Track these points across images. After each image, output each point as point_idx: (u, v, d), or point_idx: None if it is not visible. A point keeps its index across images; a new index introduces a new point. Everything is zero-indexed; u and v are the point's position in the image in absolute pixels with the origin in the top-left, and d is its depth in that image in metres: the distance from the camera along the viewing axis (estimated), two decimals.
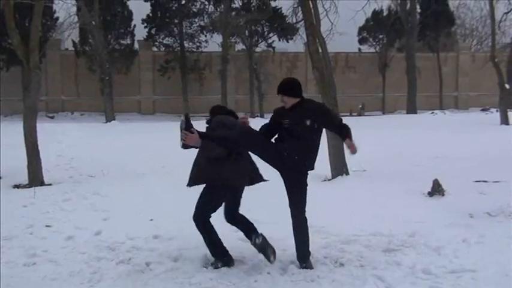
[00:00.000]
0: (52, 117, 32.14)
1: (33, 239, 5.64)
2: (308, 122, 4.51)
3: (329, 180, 9.22)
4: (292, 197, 4.71)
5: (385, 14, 38.17)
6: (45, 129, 14.49)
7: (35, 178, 8.98)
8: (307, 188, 4.75)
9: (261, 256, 5.02)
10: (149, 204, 7.26)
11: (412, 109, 34.09)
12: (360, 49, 40.35)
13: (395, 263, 4.83)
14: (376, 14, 37.56)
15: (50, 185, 8.96)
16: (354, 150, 4.59)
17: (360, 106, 35.80)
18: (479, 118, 24.36)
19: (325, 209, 6.58)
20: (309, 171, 4.75)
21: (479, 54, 41.92)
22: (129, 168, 10.70)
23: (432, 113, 28.86)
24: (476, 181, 8.32)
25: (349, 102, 34.08)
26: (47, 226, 6.10)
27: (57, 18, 32.15)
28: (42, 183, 9.01)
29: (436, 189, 7.46)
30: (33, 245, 5.39)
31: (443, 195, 7.40)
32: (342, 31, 16.37)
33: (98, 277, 4.57)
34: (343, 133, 4.67)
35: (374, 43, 39.01)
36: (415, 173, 9.35)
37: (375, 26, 37.86)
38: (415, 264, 4.76)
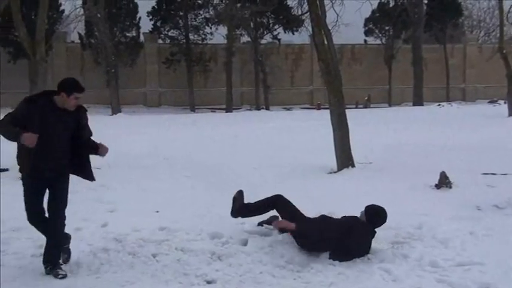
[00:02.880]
0: None
1: None
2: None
3: (334, 172, 9.19)
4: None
5: (391, 5, 37.95)
6: None
7: None
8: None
9: (267, 248, 5.03)
10: (155, 196, 7.27)
11: (418, 101, 33.94)
12: (365, 41, 40.17)
13: (402, 256, 4.81)
14: (383, 5, 37.38)
15: None
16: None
17: (366, 98, 35.68)
18: (487, 110, 24.20)
19: (330, 201, 6.57)
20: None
21: (486, 45, 41.62)
22: (135, 161, 10.71)
23: (439, 105, 28.68)
24: (484, 174, 8.26)
25: (355, 94, 33.95)
26: None
27: (63, 11, 32.18)
28: None
29: (443, 182, 7.41)
30: (40, 236, 5.37)
31: (450, 187, 7.36)
32: (347, 23, 16.30)
33: (105, 268, 4.59)
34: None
35: (380, 35, 38.80)
36: (422, 165, 9.29)
37: (381, 17, 37.65)
38: (422, 256, 4.74)
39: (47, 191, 4.57)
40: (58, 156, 4.43)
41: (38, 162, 4.30)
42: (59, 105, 4.33)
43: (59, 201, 4.52)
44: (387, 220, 5.12)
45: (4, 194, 6.51)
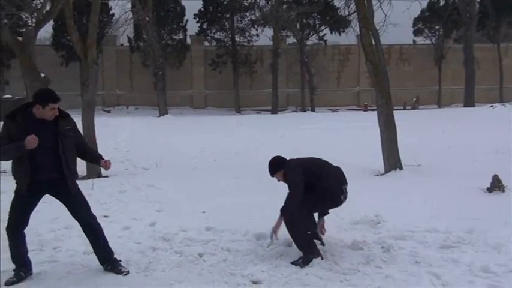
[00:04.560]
0: (108, 111, 33.15)
1: None
2: None
3: (382, 174, 9.05)
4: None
5: (441, 3, 37.00)
6: (102, 122, 14.93)
7: (93, 170, 9.28)
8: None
9: None
10: (201, 197, 7.36)
11: (470, 102, 32.92)
12: (414, 41, 39.32)
13: (452, 260, 4.69)
14: (433, 4, 36.52)
15: (106, 177, 9.24)
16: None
17: (414, 99, 34.91)
18: None
19: (378, 204, 6.47)
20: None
21: None
22: (182, 161, 10.89)
23: (491, 106, 27.70)
24: None
25: (403, 95, 33.28)
26: (104, 216, 6.28)
27: (112, 15, 33.06)
28: (99, 175, 9.31)
29: (496, 185, 7.17)
30: None
31: (503, 191, 7.11)
32: (395, 22, 15.97)
33: (154, 266, 4.69)
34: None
35: (430, 34, 37.88)
36: (473, 168, 9.02)
37: (431, 16, 36.76)
38: (473, 261, 4.60)
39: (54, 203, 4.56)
40: (50, 168, 4.27)
41: (34, 177, 4.21)
42: (38, 116, 4.25)
43: (79, 206, 4.52)
44: (435, 220, 4.98)
45: None
